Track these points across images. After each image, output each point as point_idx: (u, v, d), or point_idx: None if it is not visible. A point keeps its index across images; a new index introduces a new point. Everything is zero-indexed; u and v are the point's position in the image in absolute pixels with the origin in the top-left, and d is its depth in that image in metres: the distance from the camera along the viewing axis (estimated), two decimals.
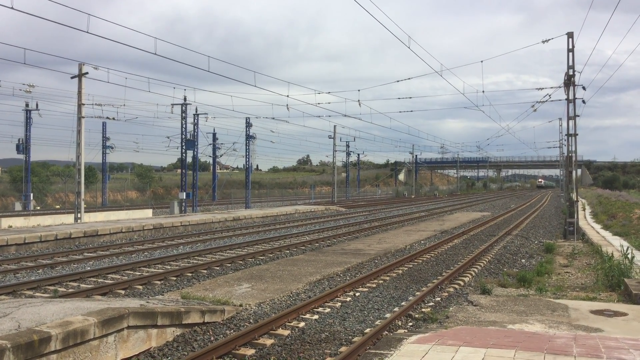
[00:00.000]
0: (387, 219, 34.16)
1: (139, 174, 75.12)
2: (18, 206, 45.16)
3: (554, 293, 11.38)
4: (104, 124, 55.21)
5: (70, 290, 11.93)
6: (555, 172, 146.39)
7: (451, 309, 9.80)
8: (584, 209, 43.28)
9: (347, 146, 70.93)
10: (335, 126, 59.34)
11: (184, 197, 38.59)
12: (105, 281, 13.12)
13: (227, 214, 32.34)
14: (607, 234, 23.15)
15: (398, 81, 33.05)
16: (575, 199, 23.16)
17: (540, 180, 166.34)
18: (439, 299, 11.28)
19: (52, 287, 12.30)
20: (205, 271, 14.54)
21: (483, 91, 36.49)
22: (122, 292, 11.89)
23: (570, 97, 22.72)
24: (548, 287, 12.07)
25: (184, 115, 38.53)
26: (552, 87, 25.47)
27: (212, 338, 8.48)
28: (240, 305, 10.20)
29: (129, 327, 7.63)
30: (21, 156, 46.78)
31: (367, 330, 8.78)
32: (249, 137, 47.77)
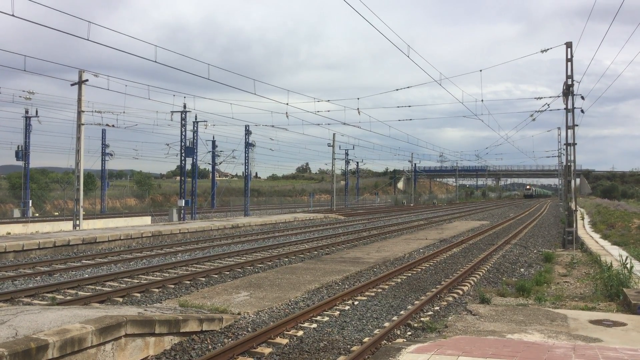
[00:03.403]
0: (386, 227, 34.14)
1: (138, 181, 75.10)
2: (17, 213, 45.14)
3: (553, 303, 11.36)
4: (103, 131, 55.34)
5: (68, 297, 11.90)
6: (553, 181, 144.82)
7: (450, 318, 9.77)
8: (583, 219, 43.28)
9: (346, 154, 71.06)
10: (334, 134, 59.50)
11: (183, 205, 38.56)
12: (103, 289, 13.09)
13: (226, 222, 32.31)
14: (605, 244, 23.13)
15: (397, 90, 33.19)
16: (574, 208, 23.17)
17: (528, 187, 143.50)
18: (437, 308, 11.25)
19: (50, 295, 12.26)
20: (203, 279, 14.51)
21: (482, 100, 36.45)
22: (120, 299, 11.85)
23: (569, 106, 22.79)
24: (547, 297, 12.05)
25: (183, 122, 38.59)
26: (550, 97, 25.55)
27: (209, 347, 8.45)
28: (239, 314, 10.17)
29: (126, 335, 7.60)
30: (20, 163, 46.82)
31: (366, 339, 8.76)
32: (248, 145, 47.81)
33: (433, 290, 13.04)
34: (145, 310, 9.05)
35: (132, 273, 15.14)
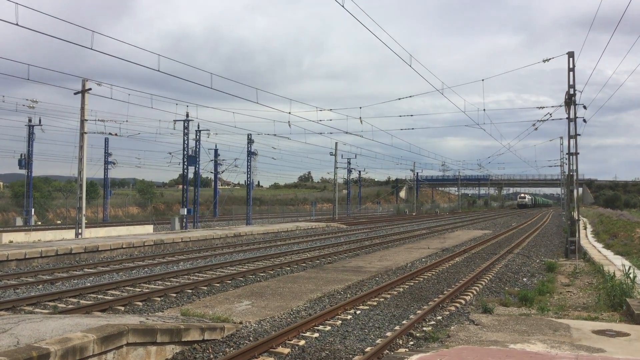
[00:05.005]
0: (388, 236, 34.08)
1: (141, 190, 75.22)
2: (19, 221, 45.17)
3: (556, 312, 11.31)
4: (106, 140, 55.46)
5: (70, 306, 11.89)
6: (556, 190, 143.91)
7: (452, 327, 9.74)
8: (585, 228, 43.16)
9: (349, 163, 71.11)
10: (336, 143, 59.66)
11: (185, 213, 38.57)
12: (105, 297, 13.08)
13: (228, 230, 32.29)
14: (608, 253, 23.05)
15: (400, 99, 33.26)
16: (576, 218, 23.12)
17: (522, 195, 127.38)
18: (440, 317, 11.21)
19: (51, 303, 12.26)
20: (205, 288, 14.49)
21: (484, 109, 36.68)
22: (122, 308, 11.84)
23: (571, 116, 22.80)
24: (550, 307, 12.00)
25: (186, 131, 38.70)
26: (552, 106, 25.57)
27: (211, 356, 8.43)
28: (240, 323, 10.15)
29: (128, 344, 7.59)
30: (23, 171, 46.96)
31: (368, 349, 8.72)
32: (251, 154, 47.90)
33: (435, 299, 12.99)
34: (147, 319, 9.04)
35: (134, 282, 15.13)
